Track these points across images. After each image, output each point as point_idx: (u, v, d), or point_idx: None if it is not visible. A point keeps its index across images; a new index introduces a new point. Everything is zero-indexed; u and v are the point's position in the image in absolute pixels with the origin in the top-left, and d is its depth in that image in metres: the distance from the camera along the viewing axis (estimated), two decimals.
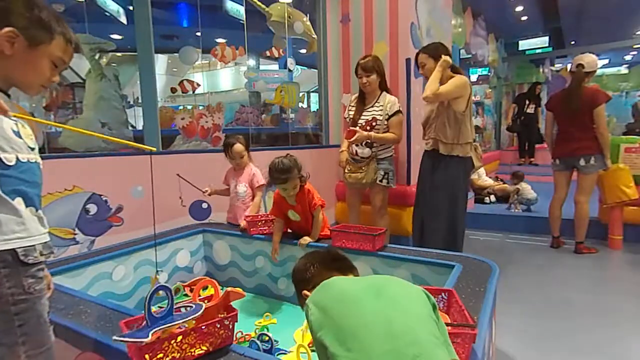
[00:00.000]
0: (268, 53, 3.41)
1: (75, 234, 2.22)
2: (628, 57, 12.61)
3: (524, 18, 8.78)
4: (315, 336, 0.81)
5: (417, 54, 2.45)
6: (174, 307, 0.99)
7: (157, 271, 2.03)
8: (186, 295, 2.12)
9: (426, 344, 0.74)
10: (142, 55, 2.64)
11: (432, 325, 0.80)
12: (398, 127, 2.63)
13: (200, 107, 3.15)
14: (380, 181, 2.65)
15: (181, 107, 3.92)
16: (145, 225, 2.46)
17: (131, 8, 2.71)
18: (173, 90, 3.02)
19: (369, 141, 2.62)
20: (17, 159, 0.88)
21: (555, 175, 3.37)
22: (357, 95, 2.77)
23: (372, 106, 2.66)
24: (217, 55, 3.05)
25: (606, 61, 12.62)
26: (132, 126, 4.15)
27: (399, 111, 2.63)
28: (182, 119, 2.96)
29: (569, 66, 12.39)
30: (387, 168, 2.68)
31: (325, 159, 3.57)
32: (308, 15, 3.74)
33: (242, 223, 2.32)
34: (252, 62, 7.96)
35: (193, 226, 2.46)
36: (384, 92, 2.67)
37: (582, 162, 3.12)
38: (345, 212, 3.14)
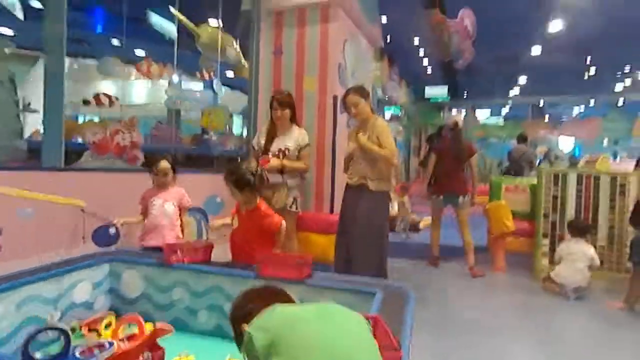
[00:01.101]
0: (198, 75, 3.33)
1: None
2: (504, 111, 15.11)
3: (429, 72, 10.04)
4: None
5: (347, 95, 2.66)
6: (79, 348, 0.87)
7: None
8: (82, 336, 1.85)
9: None
10: (51, 58, 2.37)
11: (374, 349, 0.84)
12: (308, 158, 2.90)
13: (108, 120, 2.89)
14: (290, 207, 2.80)
15: (88, 119, 3.56)
16: (31, 253, 2.11)
17: (35, 3, 2.43)
18: (86, 102, 2.74)
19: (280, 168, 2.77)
20: None
21: (435, 208, 3.93)
22: (267, 125, 2.93)
23: (284, 136, 2.82)
24: (142, 71, 2.89)
25: (488, 113, 14.93)
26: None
27: (308, 144, 2.87)
28: (95, 133, 2.67)
29: (460, 114, 14.35)
30: (296, 195, 2.85)
31: None
32: (238, 40, 3.77)
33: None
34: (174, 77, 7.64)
35: (98, 254, 2.18)
36: (294, 125, 2.87)
37: (460, 200, 3.74)
38: None
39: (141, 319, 1.09)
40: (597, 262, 3.20)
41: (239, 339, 1.02)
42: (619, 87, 11.35)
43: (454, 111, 14.23)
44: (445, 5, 6.06)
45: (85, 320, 1.90)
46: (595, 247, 3.35)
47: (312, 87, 3.39)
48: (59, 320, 1.82)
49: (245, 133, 4.18)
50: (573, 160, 8.99)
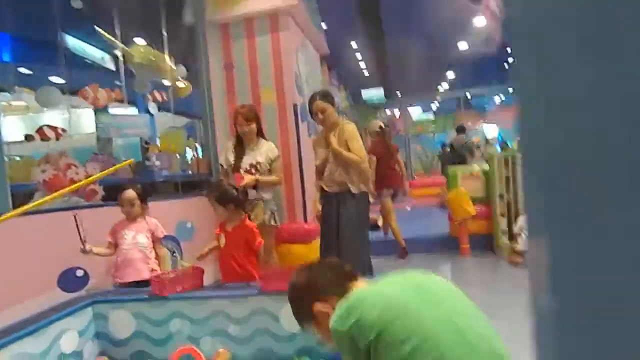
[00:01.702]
0: (150, 97, 3.16)
1: None
2: (433, 106, 16.17)
3: (366, 74, 10.49)
4: (371, 332, 0.80)
5: (314, 101, 2.62)
6: None
7: None
8: None
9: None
10: None
11: (476, 309, 0.93)
12: (280, 170, 2.88)
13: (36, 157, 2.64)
14: (269, 221, 2.77)
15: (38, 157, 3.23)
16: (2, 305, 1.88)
17: None
18: (29, 137, 2.49)
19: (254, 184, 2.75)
20: None
21: (385, 202, 4.24)
22: (234, 142, 2.87)
23: (253, 151, 2.79)
24: (87, 98, 2.68)
25: (419, 109, 15.90)
26: None
27: (279, 156, 2.85)
28: (43, 171, 2.43)
29: (396, 112, 15.12)
30: (272, 208, 2.83)
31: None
32: (181, 58, 3.63)
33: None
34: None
35: (79, 299, 2.00)
36: (261, 138, 2.84)
37: (391, 191, 4.23)
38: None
39: (196, 349, 1.03)
40: None
41: (305, 318, 1.00)
42: None
43: (389, 111, 15.00)
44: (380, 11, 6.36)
45: None
46: None
47: (270, 98, 3.39)
48: None
49: (198, 154, 4.04)
50: (503, 145, 9.88)
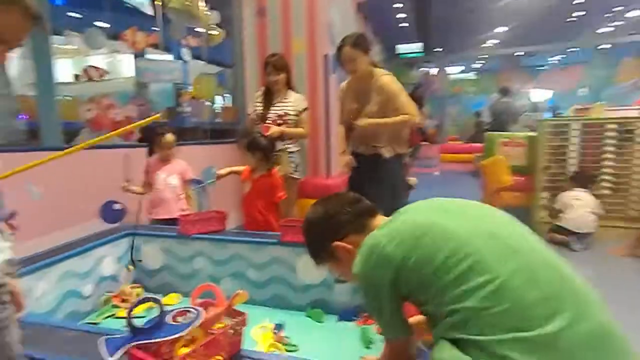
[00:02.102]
0: (184, 42, 3.19)
1: None
2: (477, 65, 15.10)
3: (404, 25, 9.79)
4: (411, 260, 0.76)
5: (343, 47, 2.23)
6: (169, 316, 0.93)
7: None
8: (115, 306, 1.95)
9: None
10: (35, 32, 2.22)
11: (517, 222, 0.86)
12: (307, 123, 2.80)
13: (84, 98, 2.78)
14: (292, 174, 2.77)
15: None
16: (46, 231, 2.12)
17: None
18: (77, 77, 2.64)
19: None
20: None
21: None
22: (262, 91, 2.82)
23: (281, 102, 2.75)
24: (127, 41, 2.76)
25: (460, 67, 14.93)
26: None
27: (306, 108, 2.79)
28: (88, 110, 2.60)
29: (433, 71, 14.21)
30: (297, 161, 2.82)
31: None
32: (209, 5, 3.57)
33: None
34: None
35: (118, 230, 2.22)
36: (290, 90, 2.78)
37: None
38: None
39: (217, 287, 1.13)
40: (601, 210, 3.22)
41: (322, 254, 0.97)
42: (603, 30, 10.41)
43: (425, 69, 14.14)
44: None
45: (116, 292, 2.00)
46: (598, 196, 3.31)
47: (301, 48, 3.33)
48: (92, 293, 1.91)
49: (228, 101, 4.10)
50: (555, 112, 9.10)
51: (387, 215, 0.94)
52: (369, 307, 0.88)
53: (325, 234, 0.95)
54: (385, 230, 0.85)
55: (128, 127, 1.23)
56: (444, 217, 0.82)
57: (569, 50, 11.54)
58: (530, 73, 12.24)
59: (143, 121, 1.24)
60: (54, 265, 1.69)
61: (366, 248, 0.84)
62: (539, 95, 12.14)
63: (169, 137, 2.39)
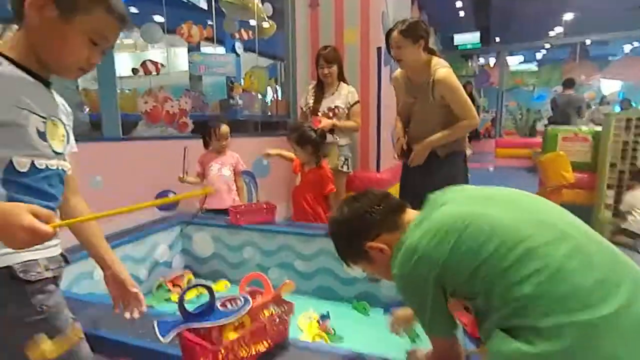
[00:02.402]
0: (237, 35, 3.23)
1: None
2: (539, 56, 14.08)
3: (462, 14, 9.34)
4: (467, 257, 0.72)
5: (391, 32, 2.03)
6: (217, 302, 0.92)
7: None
8: (169, 290, 2.00)
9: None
10: None
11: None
12: (358, 116, 2.74)
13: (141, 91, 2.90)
14: (342, 167, 2.74)
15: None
16: (105, 219, 2.23)
17: None
18: (135, 71, 2.75)
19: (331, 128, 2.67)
20: (33, 164, 0.75)
21: None
22: (314, 84, 2.80)
23: (332, 95, 2.72)
24: (183, 35, 2.84)
25: (521, 58, 14.02)
26: None
27: (358, 101, 2.72)
28: (145, 102, 2.71)
29: (491, 62, 13.51)
30: (347, 155, 2.77)
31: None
32: None
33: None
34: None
35: (170, 218, 2.29)
36: (342, 82, 2.74)
37: None
38: None
39: (265, 276, 1.13)
40: None
41: (354, 255, 0.93)
42: None
43: (482, 59, 13.44)
44: None
45: (168, 277, 2.06)
46: None
47: (354, 39, 3.25)
48: (146, 277, 1.98)
49: (278, 96, 4.12)
50: (626, 105, 8.35)
51: None
52: (411, 305, 0.87)
53: (357, 236, 0.90)
54: (424, 226, 0.80)
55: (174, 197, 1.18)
56: (487, 205, 0.78)
57: None
58: (600, 63, 11.16)
59: (190, 193, 1.26)
60: (113, 250, 1.75)
61: (406, 248, 0.80)
62: (609, 87, 11.11)
63: (224, 128, 2.43)
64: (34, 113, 0.74)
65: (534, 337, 0.64)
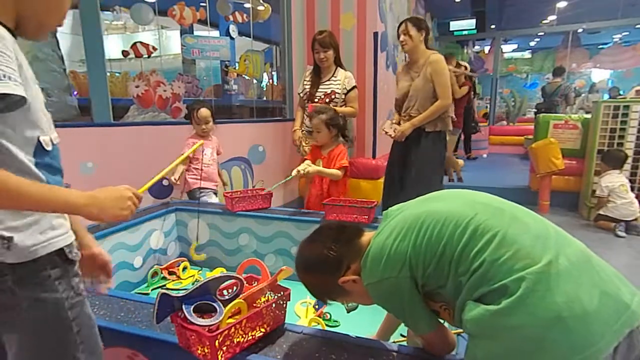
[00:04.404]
0: (231, 18, 3.14)
1: None
2: (532, 43, 14.05)
3: (457, 0, 9.25)
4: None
5: (402, 23, 2.46)
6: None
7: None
8: (164, 278, 1.99)
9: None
10: (85, 8, 2.25)
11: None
12: (355, 101, 2.73)
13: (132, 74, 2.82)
14: None
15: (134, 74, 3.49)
16: None
17: None
18: (125, 53, 2.67)
19: None
20: (51, 141, 0.72)
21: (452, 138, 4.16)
22: (311, 70, 2.77)
23: (329, 80, 2.69)
24: (175, 16, 2.75)
25: (515, 45, 13.98)
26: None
27: (355, 86, 2.70)
28: (137, 86, 2.63)
29: (486, 49, 13.46)
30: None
31: (288, 133, 3.48)
32: None
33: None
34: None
35: (164, 205, 2.26)
36: (339, 67, 2.71)
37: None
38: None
39: (262, 263, 1.12)
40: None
41: (332, 293, 0.95)
42: None
43: (477, 47, 13.36)
44: None
45: (164, 265, 2.04)
46: None
47: (350, 24, 3.19)
48: (141, 265, 1.95)
49: (273, 80, 4.05)
50: (614, 92, 8.44)
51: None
52: (392, 311, 0.91)
53: (327, 278, 0.92)
54: (384, 231, 0.88)
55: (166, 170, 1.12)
56: (436, 202, 0.90)
57: (637, 26, 10.35)
58: (591, 51, 11.22)
59: (180, 158, 1.24)
60: (106, 237, 1.73)
61: (373, 254, 0.86)
62: (599, 75, 11.20)
63: (204, 111, 2.42)
64: (36, 83, 0.70)
65: (499, 297, 0.72)
